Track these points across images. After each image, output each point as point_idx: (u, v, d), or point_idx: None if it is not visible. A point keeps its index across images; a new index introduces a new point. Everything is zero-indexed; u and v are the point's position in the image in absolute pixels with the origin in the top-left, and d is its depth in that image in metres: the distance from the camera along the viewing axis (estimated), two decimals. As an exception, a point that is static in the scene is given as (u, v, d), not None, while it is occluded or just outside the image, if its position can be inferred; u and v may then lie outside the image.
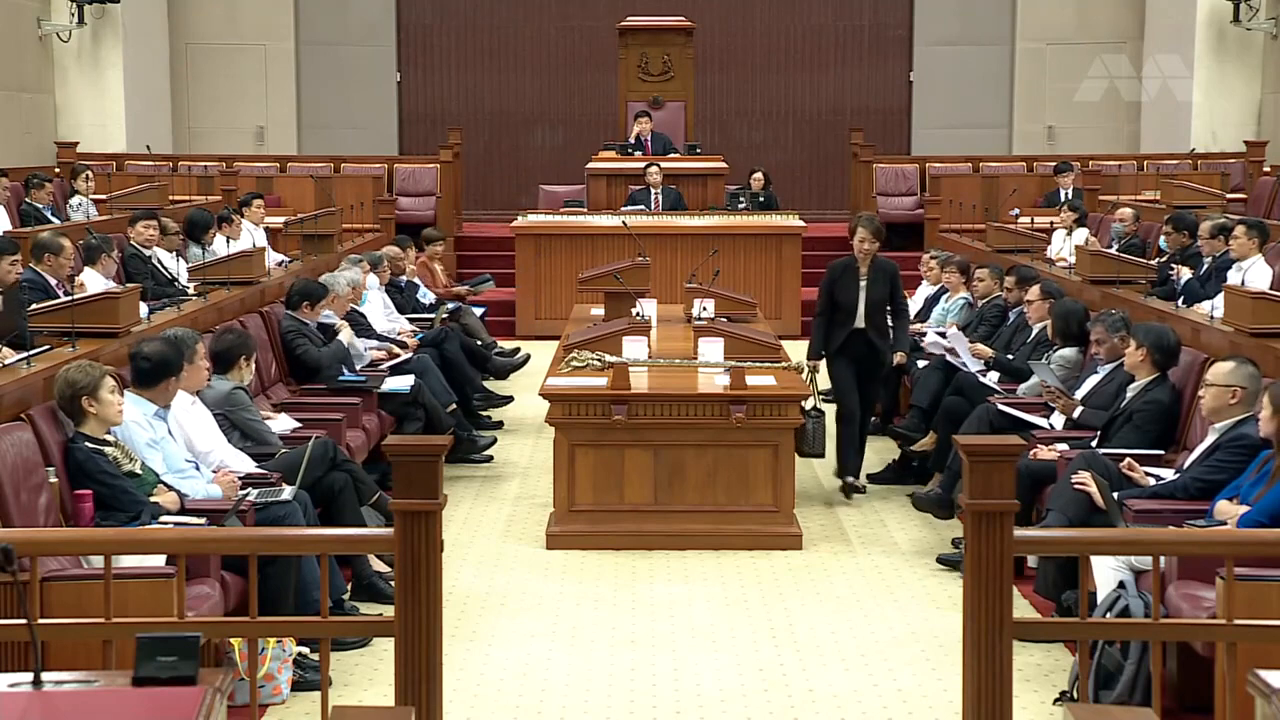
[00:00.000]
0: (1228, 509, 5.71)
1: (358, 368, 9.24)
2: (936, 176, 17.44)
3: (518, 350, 12.23)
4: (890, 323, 8.91)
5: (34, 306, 7.34)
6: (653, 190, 15.60)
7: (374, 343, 9.77)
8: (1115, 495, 6.22)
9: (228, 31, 20.37)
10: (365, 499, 7.18)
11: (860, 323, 8.72)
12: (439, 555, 4.33)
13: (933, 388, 8.94)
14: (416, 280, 12.31)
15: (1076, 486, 6.38)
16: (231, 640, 5.40)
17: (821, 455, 8.71)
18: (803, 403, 8.22)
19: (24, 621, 3.46)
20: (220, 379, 7.25)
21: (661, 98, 17.62)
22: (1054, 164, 16.61)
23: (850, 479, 8.83)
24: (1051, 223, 13.79)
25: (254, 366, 7.61)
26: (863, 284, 8.72)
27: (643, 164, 15.92)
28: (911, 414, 9.07)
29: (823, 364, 8.95)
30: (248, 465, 6.79)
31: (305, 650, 5.82)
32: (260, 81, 20.57)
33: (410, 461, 4.31)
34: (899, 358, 9.06)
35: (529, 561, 7.53)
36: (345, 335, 9.07)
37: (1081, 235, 12.70)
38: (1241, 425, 6.04)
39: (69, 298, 7.31)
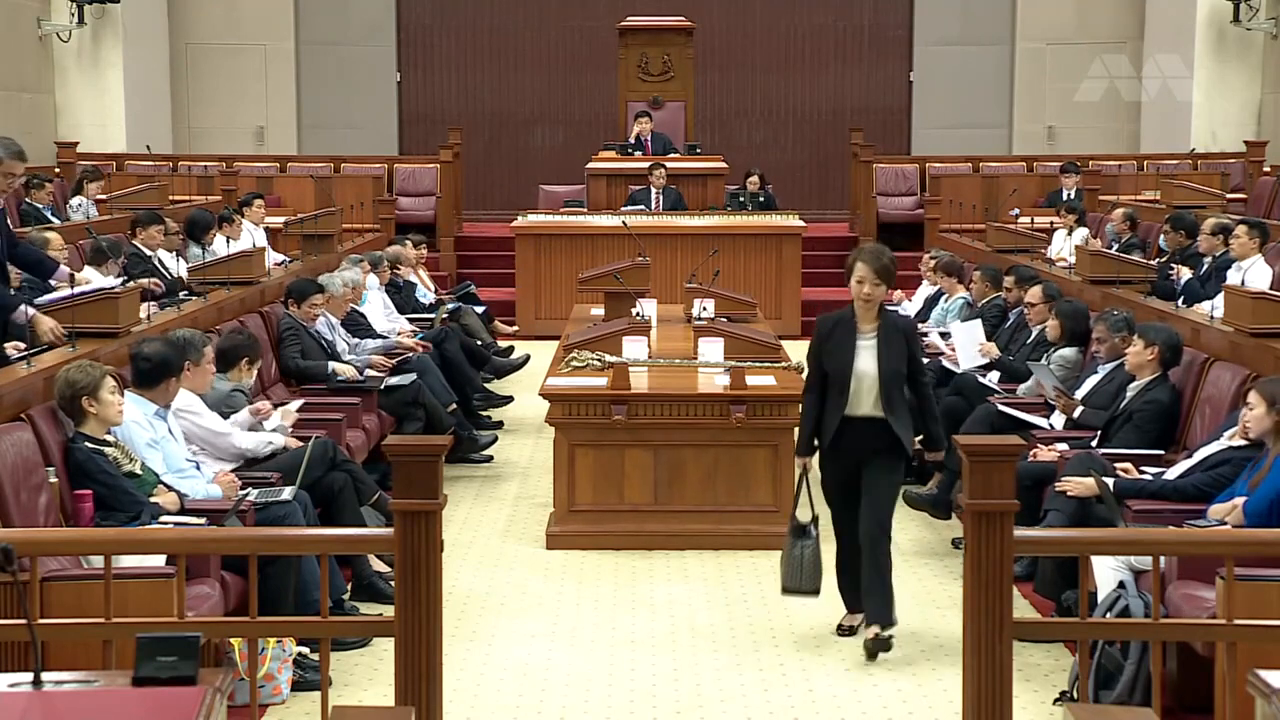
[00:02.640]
0: (1223, 509, 5.72)
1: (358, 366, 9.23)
2: (936, 176, 17.45)
3: (511, 349, 12.22)
4: (919, 404, 6.32)
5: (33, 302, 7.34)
6: (654, 190, 15.59)
7: (375, 343, 9.77)
8: (1112, 486, 6.23)
9: (228, 31, 20.37)
10: (365, 499, 7.18)
11: (864, 406, 6.07)
12: (439, 555, 4.33)
13: None
14: (415, 280, 12.32)
15: (1066, 493, 6.38)
16: (231, 640, 5.40)
17: (813, 593, 6.29)
18: (796, 514, 6.28)
19: (24, 621, 3.46)
20: (221, 379, 7.27)
21: (661, 98, 17.62)
22: (1059, 164, 16.61)
23: (872, 630, 6.12)
24: (1052, 223, 13.80)
25: (255, 372, 7.61)
26: (863, 345, 6.10)
27: (647, 164, 15.90)
28: None
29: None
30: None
31: (305, 650, 5.82)
32: (260, 81, 20.57)
33: (410, 461, 4.32)
34: (937, 455, 6.66)
35: (529, 561, 7.53)
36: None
37: (1081, 235, 12.71)
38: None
39: (69, 295, 7.29)
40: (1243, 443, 6.02)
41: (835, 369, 6.10)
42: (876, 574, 6.11)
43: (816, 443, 6.20)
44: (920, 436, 6.46)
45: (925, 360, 9.26)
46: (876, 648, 6.07)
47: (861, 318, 6.14)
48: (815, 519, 6.26)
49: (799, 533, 6.23)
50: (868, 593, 6.16)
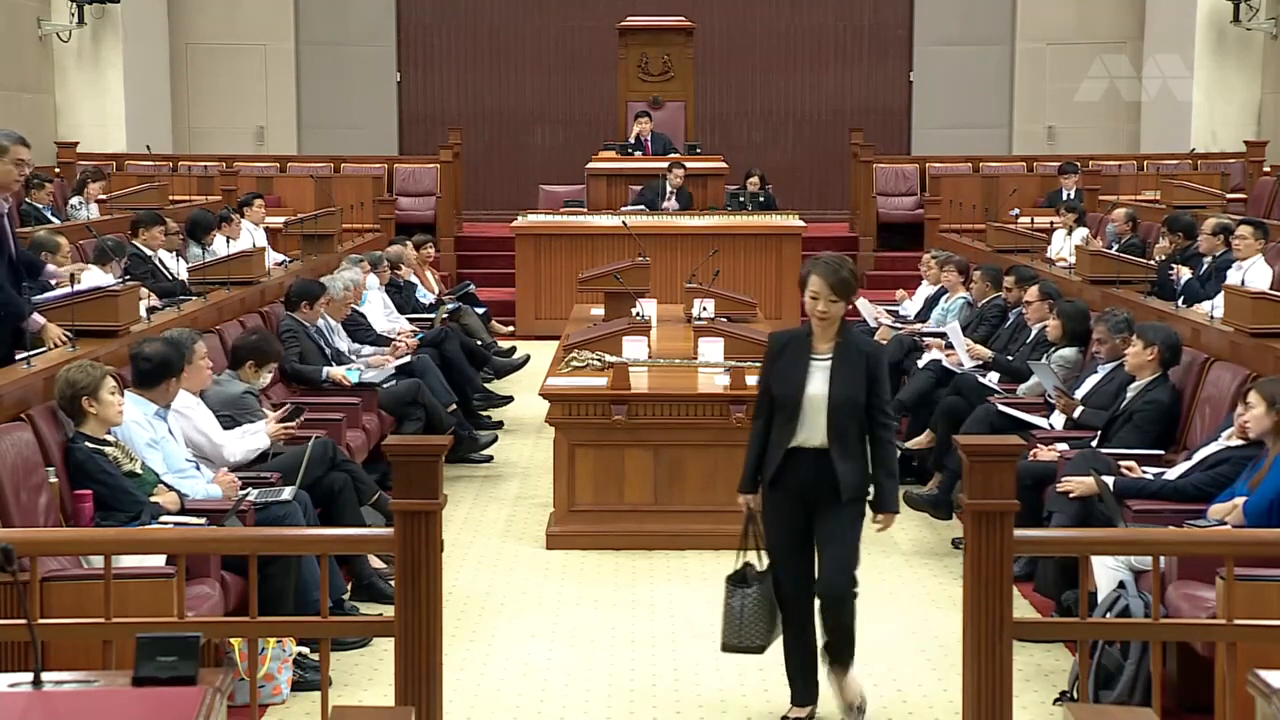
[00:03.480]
0: (1223, 509, 5.72)
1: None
2: (936, 176, 17.44)
3: (514, 349, 12.22)
4: (871, 449, 5.32)
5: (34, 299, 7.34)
6: (670, 189, 15.56)
7: (370, 349, 9.75)
8: (1112, 485, 6.24)
9: (228, 31, 20.38)
10: (365, 499, 7.18)
11: (814, 437, 5.26)
12: (439, 555, 4.33)
13: (920, 387, 8.96)
14: (416, 280, 12.31)
15: (1068, 494, 6.38)
16: (231, 640, 5.40)
17: (758, 650, 5.38)
18: (743, 562, 5.41)
19: (24, 621, 3.46)
20: (234, 379, 7.31)
21: (661, 98, 17.61)
22: (1057, 164, 16.61)
23: (796, 712, 5.45)
24: (1051, 223, 13.80)
25: (268, 375, 7.60)
26: (816, 367, 5.32)
27: (665, 163, 15.87)
28: (892, 404, 9.06)
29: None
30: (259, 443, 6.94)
31: (305, 650, 5.82)
32: (260, 81, 20.58)
33: (410, 461, 4.32)
34: (889, 521, 5.43)
35: (529, 561, 7.53)
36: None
37: (1081, 235, 12.71)
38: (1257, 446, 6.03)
39: (69, 293, 7.29)
40: (1240, 442, 6.03)
41: (783, 393, 5.30)
42: (843, 635, 5.35)
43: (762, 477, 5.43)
44: (871, 490, 5.37)
45: (924, 358, 9.41)
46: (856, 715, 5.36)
47: (818, 336, 5.35)
48: (750, 566, 5.40)
49: (738, 580, 5.35)
50: (835, 650, 5.38)
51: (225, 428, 7.04)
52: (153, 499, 5.78)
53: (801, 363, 5.33)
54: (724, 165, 16.67)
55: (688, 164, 15.91)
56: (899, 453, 5.61)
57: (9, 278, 6.67)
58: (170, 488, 5.97)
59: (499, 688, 5.85)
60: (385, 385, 9.01)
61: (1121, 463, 6.53)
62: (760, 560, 5.38)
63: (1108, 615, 5.48)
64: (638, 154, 16.57)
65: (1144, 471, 6.46)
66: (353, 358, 9.39)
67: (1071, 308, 8.52)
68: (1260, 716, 3.04)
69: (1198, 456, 6.28)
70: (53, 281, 7.98)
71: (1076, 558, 4.95)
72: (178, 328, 7.19)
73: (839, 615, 5.32)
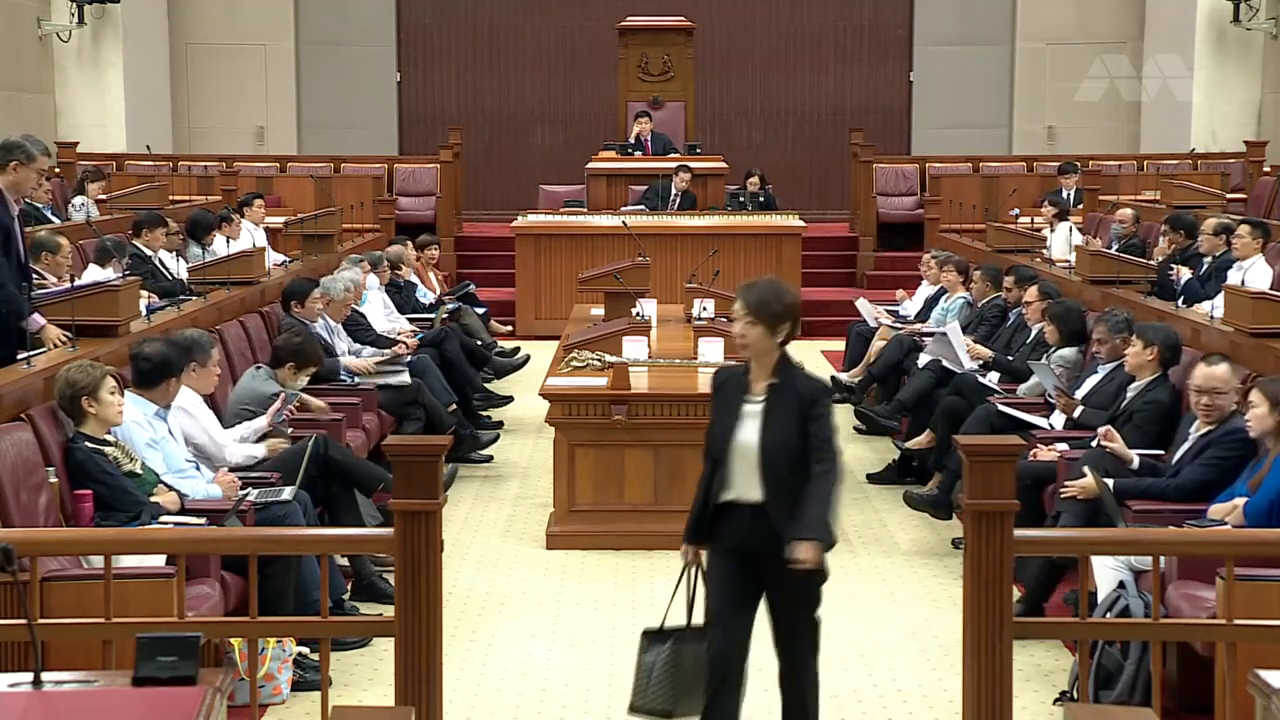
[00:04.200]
0: (1224, 509, 5.72)
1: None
2: (936, 176, 17.45)
3: (517, 350, 12.23)
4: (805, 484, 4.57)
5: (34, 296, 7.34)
6: (675, 190, 15.56)
7: (370, 349, 9.75)
8: (1112, 486, 6.25)
9: (228, 31, 20.38)
10: (370, 488, 7.12)
11: (744, 489, 4.63)
12: (439, 555, 4.33)
13: (920, 386, 8.96)
14: (415, 280, 12.31)
15: (1070, 494, 6.37)
16: (231, 640, 5.40)
17: (663, 714, 4.67)
18: (695, 606, 4.82)
19: (24, 621, 3.46)
20: (271, 378, 7.34)
21: (661, 98, 17.62)
22: (1057, 164, 16.60)
23: None
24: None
25: (302, 379, 7.64)
26: (748, 411, 4.66)
27: (668, 165, 15.87)
28: (892, 404, 9.07)
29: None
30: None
31: (305, 650, 5.83)
32: (260, 81, 20.58)
33: (410, 461, 4.32)
34: (804, 551, 4.45)
35: (529, 561, 7.53)
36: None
37: (1068, 229, 12.68)
38: (1233, 420, 6.10)
39: (68, 289, 7.29)
40: (1209, 429, 6.08)
41: (714, 437, 4.69)
42: (796, 709, 4.71)
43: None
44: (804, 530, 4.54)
45: (929, 362, 9.41)
46: None
47: (754, 374, 4.69)
48: (704, 625, 4.75)
49: (654, 636, 4.74)
50: None
51: (242, 420, 7.09)
52: (153, 499, 5.78)
53: (734, 405, 4.68)
54: (724, 165, 16.67)
55: (672, 164, 15.90)
56: (840, 482, 4.68)
57: (13, 277, 6.67)
58: (170, 488, 5.98)
59: (499, 688, 5.85)
60: (396, 371, 9.03)
61: (1100, 430, 6.56)
62: (689, 614, 4.80)
63: (1108, 615, 5.49)
64: (638, 154, 16.57)
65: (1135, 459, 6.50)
66: (353, 358, 9.38)
67: (1061, 309, 8.49)
68: (1260, 716, 3.04)
69: (1176, 459, 6.32)
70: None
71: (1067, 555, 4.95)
72: (195, 329, 7.19)
73: (800, 713, 4.73)
